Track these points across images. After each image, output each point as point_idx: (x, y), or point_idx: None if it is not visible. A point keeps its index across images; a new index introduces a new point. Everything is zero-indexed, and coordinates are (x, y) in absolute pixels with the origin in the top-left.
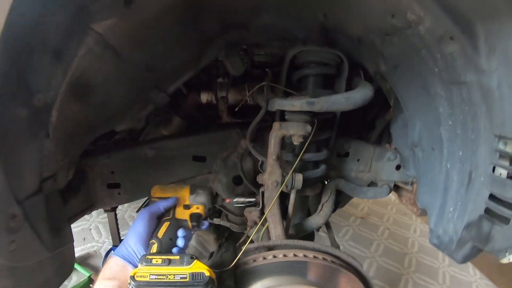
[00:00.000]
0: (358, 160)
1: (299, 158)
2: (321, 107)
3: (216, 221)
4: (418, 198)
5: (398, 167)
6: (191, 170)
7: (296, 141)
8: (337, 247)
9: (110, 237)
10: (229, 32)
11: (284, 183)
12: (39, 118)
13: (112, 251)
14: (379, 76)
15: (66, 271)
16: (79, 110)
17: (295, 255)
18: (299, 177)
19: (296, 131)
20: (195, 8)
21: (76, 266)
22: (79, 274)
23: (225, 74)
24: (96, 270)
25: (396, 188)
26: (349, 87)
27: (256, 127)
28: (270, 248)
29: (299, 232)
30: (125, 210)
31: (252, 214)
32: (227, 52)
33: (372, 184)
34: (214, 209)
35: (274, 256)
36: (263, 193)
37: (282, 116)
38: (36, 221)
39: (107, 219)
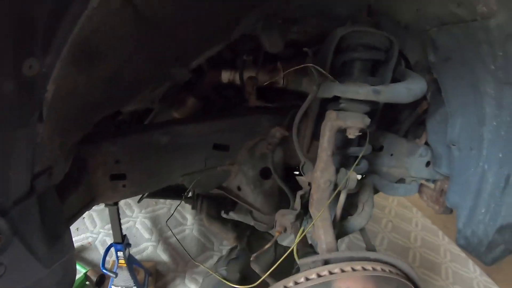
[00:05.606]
0: (392, 155)
1: (363, 151)
2: (385, 97)
3: (236, 217)
4: (448, 197)
5: (427, 164)
6: (211, 160)
7: (352, 134)
8: (373, 249)
9: (105, 227)
10: (269, 2)
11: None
12: (31, 93)
13: (112, 246)
14: (421, 66)
15: (66, 286)
16: (83, 83)
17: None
18: (354, 176)
19: (355, 122)
20: None
21: None
22: None
23: (250, 51)
24: (92, 265)
25: None
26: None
27: (291, 115)
28: (327, 262)
29: (340, 235)
30: (135, 217)
31: (285, 217)
32: (265, 24)
33: (400, 180)
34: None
35: (343, 271)
36: (302, 195)
37: (322, 104)
38: (28, 233)
39: (102, 206)
